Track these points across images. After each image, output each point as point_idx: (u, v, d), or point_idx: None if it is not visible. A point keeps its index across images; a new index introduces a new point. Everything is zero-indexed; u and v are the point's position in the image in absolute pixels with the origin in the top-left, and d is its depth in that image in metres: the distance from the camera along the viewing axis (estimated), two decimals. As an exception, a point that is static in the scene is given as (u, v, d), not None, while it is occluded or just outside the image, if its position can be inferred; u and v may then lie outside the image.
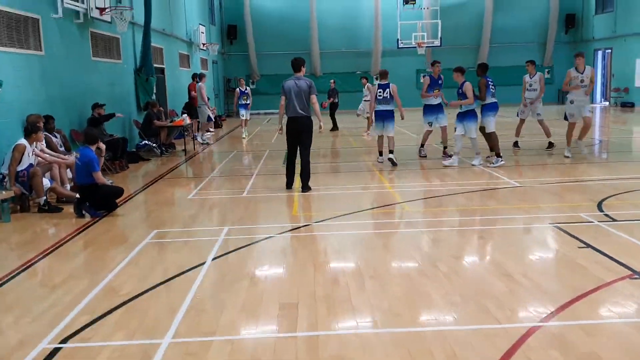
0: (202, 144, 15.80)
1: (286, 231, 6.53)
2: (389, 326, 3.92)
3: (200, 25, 23.12)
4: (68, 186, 8.56)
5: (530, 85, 12.38)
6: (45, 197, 7.86)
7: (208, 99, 17.33)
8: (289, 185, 8.67)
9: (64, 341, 3.83)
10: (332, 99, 19.96)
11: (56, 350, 3.71)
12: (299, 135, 8.45)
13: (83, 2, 11.04)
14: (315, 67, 30.99)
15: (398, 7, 29.15)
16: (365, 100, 16.83)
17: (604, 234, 5.91)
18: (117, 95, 13.31)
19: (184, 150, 14.20)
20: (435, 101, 11.43)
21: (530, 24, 30.95)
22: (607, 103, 28.65)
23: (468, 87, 10.31)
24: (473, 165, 10.38)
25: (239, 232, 6.55)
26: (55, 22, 10.18)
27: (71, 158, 8.70)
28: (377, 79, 11.32)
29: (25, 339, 3.87)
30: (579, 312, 4.01)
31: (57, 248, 6.12)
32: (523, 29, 30.93)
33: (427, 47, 28.46)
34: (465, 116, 10.41)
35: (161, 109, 14.87)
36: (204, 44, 23.26)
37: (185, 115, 15.16)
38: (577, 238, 5.73)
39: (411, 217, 7.13)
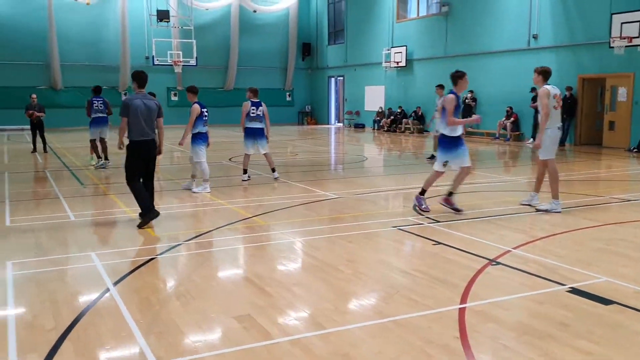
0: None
1: (164, 251, 6.38)
2: (351, 322, 4.39)
3: None
4: None
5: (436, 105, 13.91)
6: None
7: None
8: (146, 211, 7.52)
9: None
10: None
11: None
12: (150, 159, 7.66)
13: None
14: (55, 80, 28.54)
15: (148, 23, 28.73)
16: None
17: (441, 232, 7.22)
18: None
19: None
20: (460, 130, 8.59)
21: (273, 50, 33.47)
22: (341, 124, 32.62)
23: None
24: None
25: (111, 257, 6.16)
26: None
27: None
28: (250, 96, 11.24)
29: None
30: (480, 293, 5.03)
31: None
32: (267, 54, 33.29)
33: (182, 65, 28.59)
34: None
35: None
36: None
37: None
38: (425, 237, 6.92)
39: (274, 229, 7.54)
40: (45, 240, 6.87)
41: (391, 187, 11.01)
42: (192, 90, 10.49)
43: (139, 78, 7.66)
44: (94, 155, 13.76)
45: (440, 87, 14.50)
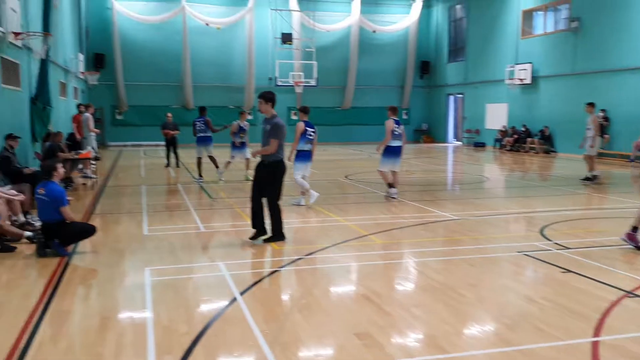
0: (86, 177, 14.48)
1: (286, 264, 6.61)
2: (479, 348, 4.28)
3: (79, 54, 21.79)
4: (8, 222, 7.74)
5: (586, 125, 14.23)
6: (-6, 237, 7.06)
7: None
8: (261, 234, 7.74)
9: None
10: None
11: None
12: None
13: (0, 25, 10.09)
14: (188, 99, 30.58)
15: (272, 46, 30.05)
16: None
17: (571, 260, 6.83)
18: (17, 125, 12.18)
19: (87, 184, 13.34)
20: None
21: (390, 69, 33.62)
22: (460, 143, 31.93)
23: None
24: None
25: (238, 267, 6.49)
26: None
27: (12, 192, 7.95)
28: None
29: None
30: (615, 326, 4.70)
31: (54, 292, 5.59)
32: (384, 73, 33.50)
33: (303, 86, 29.54)
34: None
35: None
36: (82, 73, 21.92)
37: (91, 147, 14.23)
38: (553, 264, 6.59)
39: (391, 249, 7.55)
40: (179, 249, 7.38)
41: (514, 210, 10.59)
42: (304, 110, 11.03)
43: (274, 100, 7.68)
44: (198, 171, 14.62)
45: (591, 105, 14.44)
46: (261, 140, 7.63)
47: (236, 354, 4.16)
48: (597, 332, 4.55)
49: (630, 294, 5.51)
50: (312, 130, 10.70)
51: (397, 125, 11.35)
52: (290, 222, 9.42)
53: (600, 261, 6.68)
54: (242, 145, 14.40)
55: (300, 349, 4.25)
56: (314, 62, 29.53)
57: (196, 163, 14.89)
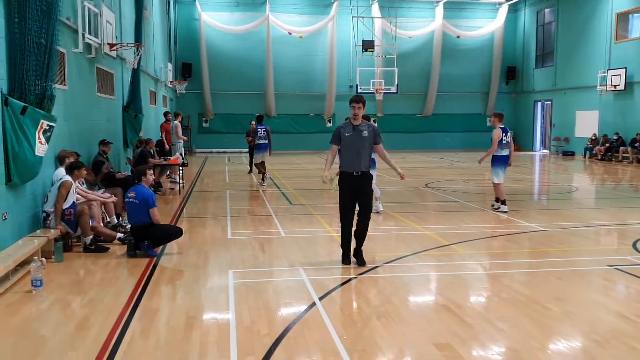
0: (174, 182, 15.13)
1: (365, 272, 6.63)
2: None
3: (168, 63, 22.89)
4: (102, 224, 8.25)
5: None
6: (91, 237, 7.54)
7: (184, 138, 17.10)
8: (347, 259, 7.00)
9: (255, 388, 3.78)
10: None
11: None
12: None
13: (97, 37, 10.80)
14: (270, 107, 31.29)
15: (353, 53, 30.19)
16: None
17: (667, 275, 6.41)
18: (112, 131, 12.95)
19: (174, 189, 13.99)
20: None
21: (474, 75, 32.88)
22: (547, 151, 30.67)
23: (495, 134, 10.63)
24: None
25: (317, 273, 6.57)
26: (74, 56, 9.90)
27: (106, 195, 8.48)
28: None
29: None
30: None
31: (144, 290, 5.90)
32: (468, 78, 32.81)
33: (384, 93, 29.50)
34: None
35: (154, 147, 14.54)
36: (170, 82, 22.99)
37: (179, 154, 14.90)
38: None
39: (473, 259, 7.39)
40: (260, 253, 7.58)
41: (605, 222, 10.06)
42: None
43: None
44: (261, 175, 15.36)
45: None
46: (349, 149, 6.77)
47: (315, 357, 4.22)
48: (697, 354, 4.26)
49: None
50: (505, 135, 10.71)
51: (504, 134, 10.63)
52: (369, 229, 9.43)
53: (702, 279, 6.22)
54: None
55: (378, 355, 4.25)
56: (395, 69, 29.41)
57: (258, 167, 15.56)
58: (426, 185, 15.54)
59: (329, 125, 31.89)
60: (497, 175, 10.88)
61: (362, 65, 29.95)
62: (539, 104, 31.58)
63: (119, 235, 7.96)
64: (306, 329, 4.81)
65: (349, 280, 6.37)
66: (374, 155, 10.61)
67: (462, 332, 4.74)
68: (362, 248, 7.05)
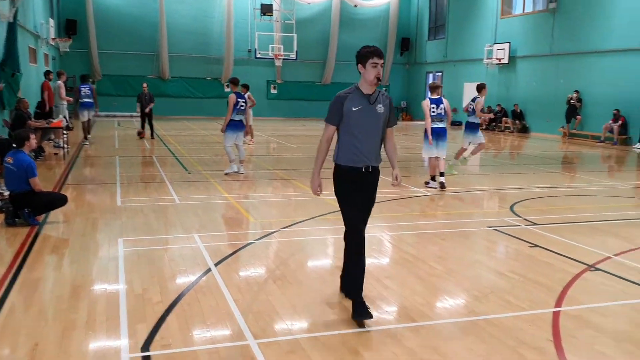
0: (57, 147, 14.17)
1: (261, 237, 6.66)
2: (439, 318, 4.41)
3: (50, 19, 21.24)
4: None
5: None
6: (-37, 206, 6.97)
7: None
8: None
9: (146, 349, 3.72)
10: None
11: (147, 359, 3.61)
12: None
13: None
14: (164, 70, 30.08)
15: (251, 16, 29.64)
16: None
17: (538, 235, 7.00)
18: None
19: (58, 154, 13.19)
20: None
21: (371, 44, 33.36)
22: (437, 120, 32.04)
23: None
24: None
25: (213, 239, 6.52)
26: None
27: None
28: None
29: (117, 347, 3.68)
30: (576, 297, 4.87)
31: (24, 260, 5.56)
32: (364, 48, 33.27)
33: (283, 59, 29.29)
34: None
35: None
36: (53, 39, 21.39)
37: (62, 116, 13.98)
38: (521, 239, 6.76)
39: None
40: (153, 221, 7.37)
41: (487, 187, 10.77)
42: (234, 81, 11.31)
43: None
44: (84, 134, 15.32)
45: None
46: (359, 131, 4.33)
47: (209, 322, 4.21)
48: (558, 303, 4.72)
49: (591, 267, 5.69)
50: (243, 101, 11.00)
51: (435, 105, 9.88)
52: (266, 195, 9.48)
53: (566, 236, 6.86)
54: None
55: (273, 317, 4.32)
56: (294, 35, 29.25)
57: (83, 126, 15.61)
58: (323, 152, 15.72)
59: (227, 90, 31.23)
60: (425, 150, 10.23)
61: (260, 30, 29.50)
62: (431, 75, 32.83)
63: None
64: (201, 294, 4.78)
65: (246, 245, 6.38)
66: (237, 118, 10.74)
67: (354, 291, 4.91)
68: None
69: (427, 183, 10.42)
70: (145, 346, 3.79)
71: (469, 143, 11.65)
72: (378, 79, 4.25)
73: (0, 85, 10.74)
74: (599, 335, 4.11)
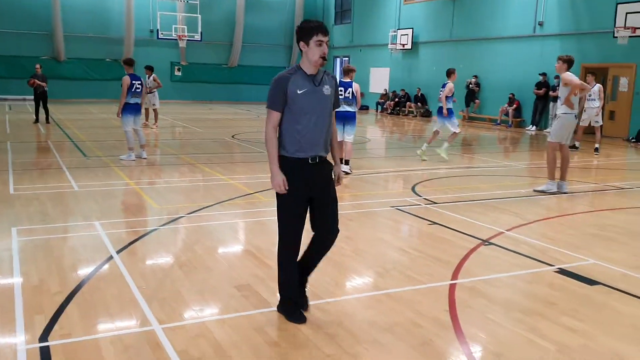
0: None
1: (166, 223, 6.54)
2: (346, 294, 4.56)
3: None
4: None
5: (590, 95, 13.73)
6: None
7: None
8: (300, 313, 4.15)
9: (44, 340, 3.58)
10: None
11: (45, 349, 3.46)
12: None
13: None
14: (59, 50, 28.44)
15: (154, -3, 28.63)
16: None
17: (437, 213, 7.36)
18: None
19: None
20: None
21: (277, 28, 33.36)
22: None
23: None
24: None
25: (114, 227, 6.32)
26: None
27: None
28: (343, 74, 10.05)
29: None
30: (471, 270, 5.20)
31: None
32: (271, 31, 33.19)
33: (187, 40, 28.55)
34: None
35: None
36: None
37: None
38: (421, 217, 7.08)
39: (274, 205, 7.66)
40: (50, 209, 7.02)
41: (391, 169, 11.15)
42: (128, 62, 11.01)
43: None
44: None
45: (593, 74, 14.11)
46: (304, 117, 3.83)
47: (112, 310, 4.11)
48: (454, 276, 5.01)
49: (485, 242, 6.08)
50: (139, 83, 10.77)
51: (342, 88, 9.76)
52: (171, 180, 9.29)
53: (463, 214, 7.27)
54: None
55: (178, 303, 4.28)
56: (199, 16, 28.58)
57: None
58: (232, 136, 15.62)
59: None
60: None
61: (162, 10, 28.55)
62: (338, 59, 33.25)
63: None
64: (103, 283, 4.63)
65: (150, 232, 6.24)
66: (133, 100, 10.44)
67: (262, 272, 4.97)
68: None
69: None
70: (43, 337, 3.64)
71: (441, 127, 12.40)
72: (323, 58, 3.78)
73: None
74: (491, 304, 4.42)
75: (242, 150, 13.22)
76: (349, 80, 10.00)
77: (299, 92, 3.78)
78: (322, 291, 4.60)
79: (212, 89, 32.11)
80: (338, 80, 9.36)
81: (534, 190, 8.88)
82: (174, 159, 11.48)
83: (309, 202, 3.98)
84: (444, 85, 11.99)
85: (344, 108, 9.93)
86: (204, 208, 7.34)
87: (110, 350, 3.51)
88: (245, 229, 6.64)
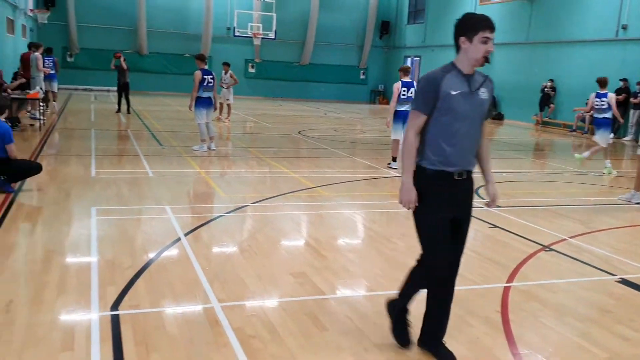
0: (34, 118, 14.11)
1: (232, 211, 6.84)
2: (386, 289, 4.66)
3: (27, -12, 20.93)
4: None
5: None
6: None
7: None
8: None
9: (115, 309, 3.91)
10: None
11: (115, 317, 3.79)
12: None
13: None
14: (141, 45, 29.78)
15: (232, -6, 29.47)
16: None
17: (499, 216, 7.30)
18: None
19: (34, 125, 13.15)
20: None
21: (350, 27, 33.52)
22: (414, 105, 32.35)
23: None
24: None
25: (183, 211, 6.69)
26: None
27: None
28: (403, 75, 10.19)
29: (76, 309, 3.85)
30: (527, 275, 5.17)
31: (-3, 227, 5.68)
32: (344, 30, 33.40)
33: (262, 38, 29.22)
34: None
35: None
36: (31, 10, 21.05)
37: (39, 88, 13.88)
38: (482, 220, 7.05)
39: (336, 200, 7.86)
40: (126, 192, 7.50)
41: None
42: (200, 57, 11.33)
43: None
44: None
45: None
46: (457, 123, 3.31)
47: (176, 286, 4.40)
48: (510, 279, 5.00)
49: (546, 248, 6.00)
50: (210, 77, 11.11)
51: (406, 88, 10.03)
52: (239, 172, 9.64)
53: (526, 219, 7.18)
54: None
55: (237, 284, 4.53)
56: (274, 14, 29.18)
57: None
58: (299, 132, 15.93)
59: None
60: (394, 130, 10.32)
61: (239, 8, 29.34)
62: (409, 59, 33.04)
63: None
64: (169, 262, 4.96)
65: (216, 218, 6.55)
66: (205, 95, 10.90)
67: (317, 262, 5.15)
68: None
69: (389, 164, 10.71)
70: (115, 306, 3.97)
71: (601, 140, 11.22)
72: (486, 58, 3.31)
73: None
74: (544, 308, 4.40)
75: (308, 146, 13.48)
76: (409, 79, 10.14)
77: (452, 92, 3.24)
78: (373, 283, 4.73)
79: (283, 86, 32.71)
80: (400, 82, 9.55)
81: (619, 199, 8.64)
82: (243, 152, 11.88)
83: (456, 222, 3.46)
84: (601, 95, 10.97)
85: (406, 107, 9.99)
86: (268, 199, 7.61)
87: (173, 323, 3.79)
88: (306, 221, 6.85)
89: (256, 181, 9.08)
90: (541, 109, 22.89)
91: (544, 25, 23.01)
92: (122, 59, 18.59)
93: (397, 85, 10.16)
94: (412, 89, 9.99)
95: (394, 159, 10.51)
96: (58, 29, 28.17)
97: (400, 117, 10.12)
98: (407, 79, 10.14)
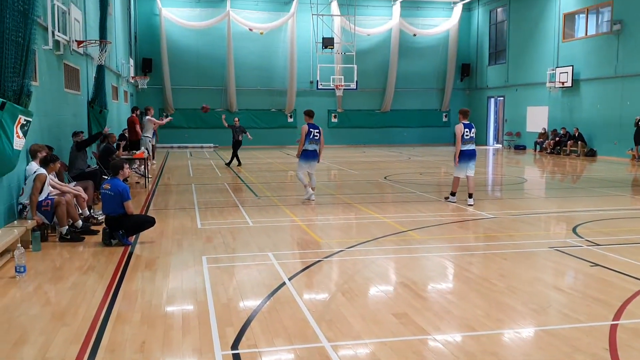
0: (140, 175, 15.27)
1: (329, 255, 7.16)
2: (497, 329, 4.74)
3: (130, 59, 22.91)
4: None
5: None
6: (67, 227, 7.84)
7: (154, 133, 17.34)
8: None
9: (235, 348, 4.27)
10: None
11: (236, 355, 4.14)
12: None
13: (66, 34, 10.99)
14: (231, 102, 31.48)
15: (313, 50, 30.71)
16: None
17: (600, 255, 7.16)
18: (78, 126, 13.10)
19: (140, 182, 14.25)
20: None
21: (430, 72, 33.86)
22: (500, 145, 31.89)
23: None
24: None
25: (284, 257, 7.08)
26: (44, 53, 10.08)
27: (78, 188, 8.77)
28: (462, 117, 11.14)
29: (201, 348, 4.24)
30: (635, 312, 5.08)
31: (123, 275, 6.28)
32: (424, 75, 33.78)
33: (344, 89, 30.15)
34: None
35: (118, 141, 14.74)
36: (132, 77, 23.01)
37: (144, 148, 15.12)
38: (582, 259, 6.95)
39: (429, 243, 8.01)
40: (230, 241, 8.02)
41: (551, 210, 10.88)
42: (308, 113, 11.83)
43: None
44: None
45: None
46: None
47: (288, 327, 4.72)
48: (617, 316, 4.94)
49: (653, 285, 5.84)
50: (317, 131, 11.59)
51: (468, 130, 10.96)
52: (331, 218, 10.00)
53: (628, 256, 6.99)
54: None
55: (343, 323, 4.78)
56: (354, 66, 30.11)
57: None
58: (385, 178, 16.20)
59: (290, 120, 32.42)
60: (458, 169, 11.27)
61: (322, 62, 30.51)
62: (492, 99, 32.78)
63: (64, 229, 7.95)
64: (278, 304, 5.30)
65: (315, 263, 6.89)
66: (311, 147, 11.32)
67: (417, 303, 5.32)
68: None
69: (446, 198, 11.50)
70: (234, 345, 4.33)
71: None
72: None
73: (106, 129, 12.45)
74: (655, 345, 4.33)
75: (394, 191, 13.69)
76: (468, 122, 11.12)
77: None
78: (475, 323, 4.83)
79: (365, 133, 33.33)
80: (462, 124, 10.04)
81: None
82: (331, 199, 12.27)
83: None
84: None
85: (470, 147, 11.10)
86: (362, 243, 7.88)
87: (288, 360, 4.09)
88: (401, 263, 7.03)
89: (347, 226, 9.39)
90: (636, 144, 21.92)
91: (633, 57, 22.29)
92: (235, 118, 19.94)
93: (460, 128, 11.01)
94: (473, 130, 11.07)
95: (453, 194, 11.42)
96: (154, 92, 30.44)
97: (465, 156, 11.06)
98: (466, 121, 11.07)
